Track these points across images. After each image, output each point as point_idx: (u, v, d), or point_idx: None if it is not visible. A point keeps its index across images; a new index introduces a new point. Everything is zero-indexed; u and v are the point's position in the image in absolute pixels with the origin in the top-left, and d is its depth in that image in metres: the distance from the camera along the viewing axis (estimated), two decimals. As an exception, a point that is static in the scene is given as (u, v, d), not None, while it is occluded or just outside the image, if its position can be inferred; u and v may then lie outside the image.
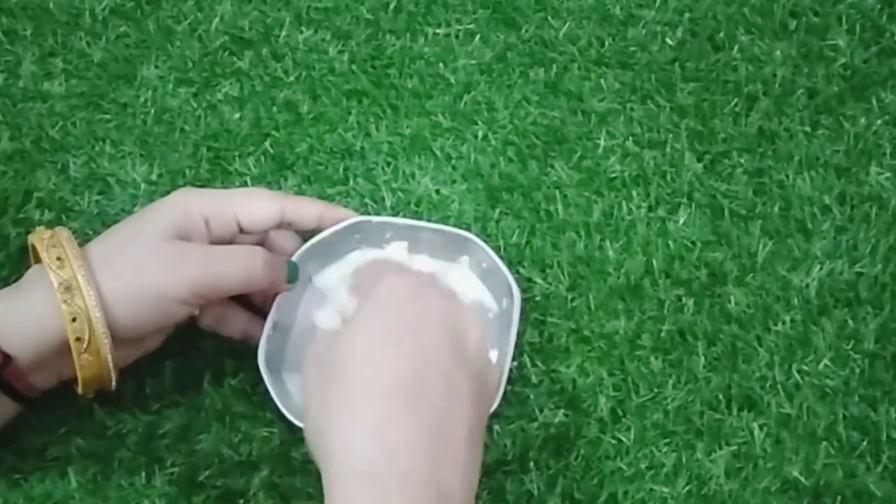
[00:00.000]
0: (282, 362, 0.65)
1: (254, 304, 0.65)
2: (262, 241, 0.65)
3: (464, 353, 0.55)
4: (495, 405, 0.62)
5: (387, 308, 0.56)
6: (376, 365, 0.54)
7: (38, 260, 0.60)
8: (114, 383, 0.60)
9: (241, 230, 0.63)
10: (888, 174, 0.71)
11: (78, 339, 0.57)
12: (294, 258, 0.65)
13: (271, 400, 0.62)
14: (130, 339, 0.60)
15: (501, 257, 0.66)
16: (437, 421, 0.52)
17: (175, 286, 0.59)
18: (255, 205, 0.63)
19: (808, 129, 0.72)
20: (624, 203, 0.70)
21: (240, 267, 0.60)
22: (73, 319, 0.57)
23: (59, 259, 0.58)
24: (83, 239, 0.62)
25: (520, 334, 0.66)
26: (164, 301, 0.59)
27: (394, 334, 0.55)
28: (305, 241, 0.66)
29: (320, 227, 0.65)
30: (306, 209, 0.64)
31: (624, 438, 0.64)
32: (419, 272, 0.64)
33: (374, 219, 0.66)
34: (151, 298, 0.59)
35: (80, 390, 0.60)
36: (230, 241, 0.63)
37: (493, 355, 0.65)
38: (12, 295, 0.59)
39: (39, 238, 0.60)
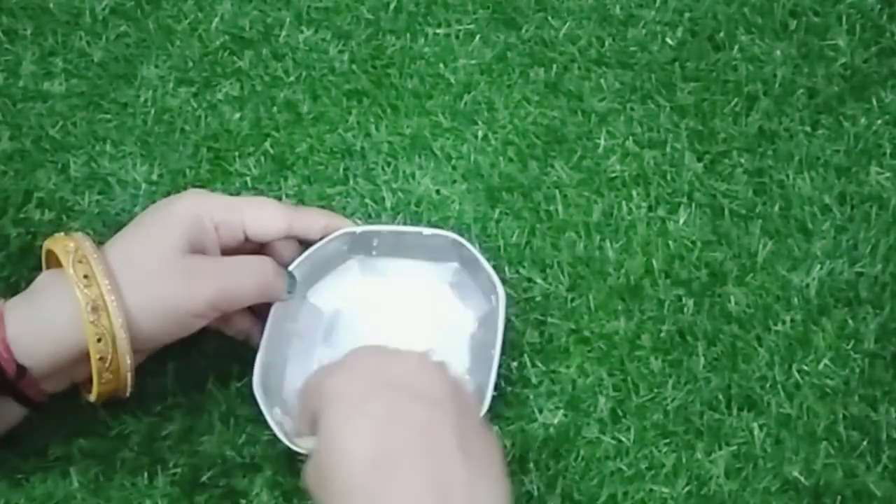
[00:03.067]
0: (283, 378, 0.64)
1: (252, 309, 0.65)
2: (261, 248, 0.65)
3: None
4: (486, 406, 0.62)
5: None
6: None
7: (49, 265, 0.60)
8: (128, 394, 0.60)
9: (246, 238, 0.63)
10: (888, 174, 0.71)
11: (101, 359, 0.57)
12: None
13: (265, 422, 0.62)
14: (145, 349, 0.60)
15: (486, 256, 0.66)
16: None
17: (192, 301, 0.59)
18: (264, 216, 0.63)
19: (808, 129, 0.72)
20: (624, 203, 0.70)
21: (254, 279, 0.61)
22: (99, 340, 0.57)
23: (86, 277, 0.57)
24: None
25: (520, 334, 0.66)
26: (181, 315, 0.59)
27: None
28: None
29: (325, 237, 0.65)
30: (312, 221, 0.65)
31: (624, 438, 0.64)
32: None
33: (359, 228, 0.66)
34: (169, 313, 0.59)
35: (92, 399, 0.60)
36: (235, 249, 0.63)
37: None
38: (29, 305, 0.58)
39: (63, 249, 0.59)
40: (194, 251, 0.60)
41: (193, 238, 0.60)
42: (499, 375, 0.63)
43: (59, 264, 0.58)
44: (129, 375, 0.59)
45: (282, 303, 0.64)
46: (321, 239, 0.65)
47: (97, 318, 0.57)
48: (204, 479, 0.63)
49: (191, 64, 0.74)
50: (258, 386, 0.62)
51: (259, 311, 0.65)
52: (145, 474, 0.63)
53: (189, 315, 0.59)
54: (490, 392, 0.62)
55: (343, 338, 0.66)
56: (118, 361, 0.58)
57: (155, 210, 0.62)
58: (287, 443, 0.60)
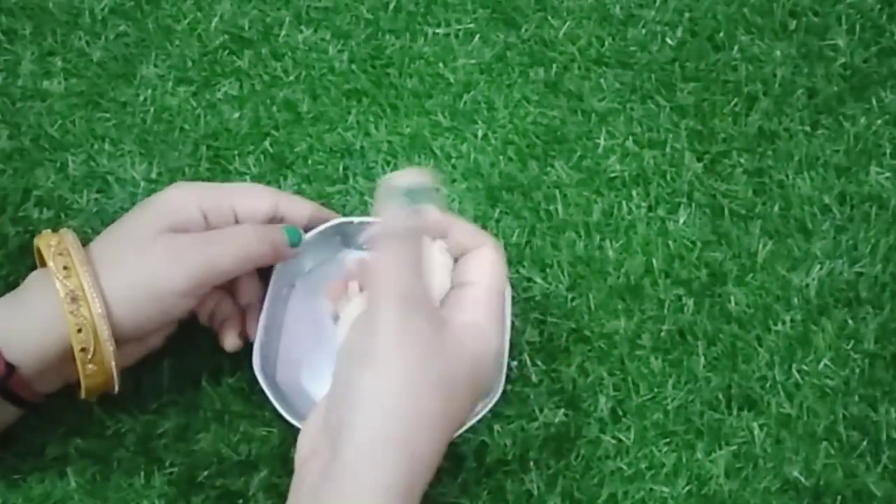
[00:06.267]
0: (276, 366, 0.64)
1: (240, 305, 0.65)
2: None
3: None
4: (497, 395, 0.61)
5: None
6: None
7: (42, 264, 0.60)
8: (117, 388, 0.60)
9: (237, 222, 0.63)
10: (888, 174, 0.71)
11: (83, 350, 0.57)
12: (279, 266, 0.64)
13: (269, 402, 0.62)
14: (133, 338, 0.60)
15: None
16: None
17: (172, 277, 0.58)
18: (252, 197, 0.63)
19: (808, 129, 0.72)
20: (624, 203, 0.70)
21: (233, 245, 0.60)
22: (79, 330, 0.57)
23: (65, 268, 0.57)
24: (82, 237, 0.62)
25: (520, 333, 0.66)
26: (163, 296, 0.58)
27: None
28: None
29: (309, 227, 0.65)
30: (298, 207, 0.64)
31: (624, 438, 0.64)
32: None
33: (356, 219, 0.66)
34: (150, 295, 0.58)
35: (82, 395, 0.60)
36: None
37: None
38: (15, 302, 0.58)
39: (46, 244, 0.59)
40: (175, 232, 0.60)
41: (175, 222, 0.60)
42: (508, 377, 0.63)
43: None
44: (113, 366, 0.58)
45: (274, 292, 0.64)
46: (308, 229, 0.65)
47: (76, 308, 0.57)
48: (200, 478, 0.63)
49: (190, 63, 0.74)
50: (259, 369, 0.62)
51: (250, 305, 0.65)
52: (142, 474, 0.63)
53: (172, 294, 0.58)
54: (503, 378, 0.62)
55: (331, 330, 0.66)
56: (101, 352, 0.57)
57: (140, 204, 0.62)
58: (291, 420, 0.61)
